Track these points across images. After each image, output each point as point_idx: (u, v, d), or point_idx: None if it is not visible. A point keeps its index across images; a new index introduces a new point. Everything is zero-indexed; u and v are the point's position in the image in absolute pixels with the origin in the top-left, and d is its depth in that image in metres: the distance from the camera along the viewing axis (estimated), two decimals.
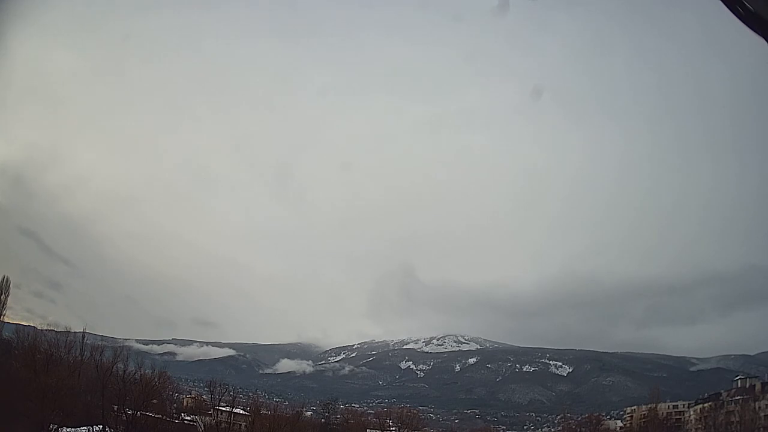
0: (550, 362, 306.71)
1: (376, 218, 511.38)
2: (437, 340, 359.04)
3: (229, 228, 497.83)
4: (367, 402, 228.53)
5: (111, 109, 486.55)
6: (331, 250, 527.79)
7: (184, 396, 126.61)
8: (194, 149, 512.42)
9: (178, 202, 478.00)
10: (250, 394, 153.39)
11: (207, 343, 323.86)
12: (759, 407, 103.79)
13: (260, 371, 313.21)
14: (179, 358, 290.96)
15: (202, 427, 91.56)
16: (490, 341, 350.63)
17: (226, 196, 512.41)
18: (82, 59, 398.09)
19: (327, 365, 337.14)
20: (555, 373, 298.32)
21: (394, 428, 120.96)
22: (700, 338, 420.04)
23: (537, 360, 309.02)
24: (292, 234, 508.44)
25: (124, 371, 76.99)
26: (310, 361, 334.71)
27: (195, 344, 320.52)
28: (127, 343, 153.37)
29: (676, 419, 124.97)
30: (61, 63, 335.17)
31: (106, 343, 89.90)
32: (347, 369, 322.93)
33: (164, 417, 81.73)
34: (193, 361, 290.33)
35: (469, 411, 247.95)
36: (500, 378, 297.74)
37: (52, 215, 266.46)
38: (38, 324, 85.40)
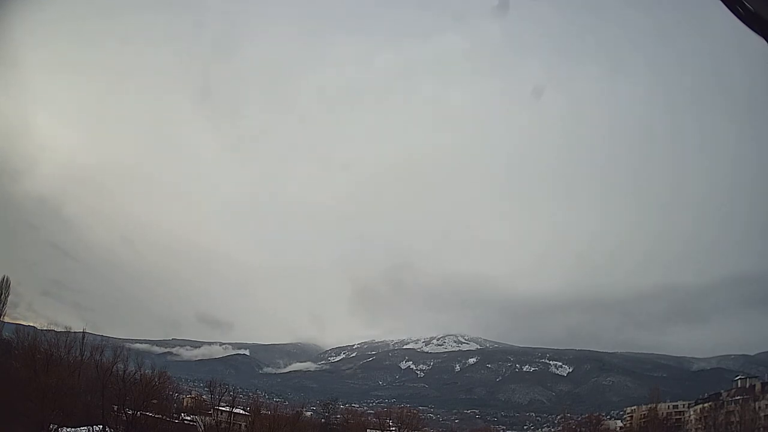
0: (550, 362, 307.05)
1: (366, 205, 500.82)
2: (437, 340, 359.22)
3: (210, 214, 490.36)
4: (367, 402, 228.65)
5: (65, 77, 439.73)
6: (325, 242, 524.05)
7: (184, 396, 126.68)
8: (160, 120, 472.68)
9: (146, 183, 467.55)
10: (250, 394, 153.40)
11: (207, 343, 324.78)
12: (759, 407, 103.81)
13: (260, 371, 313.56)
14: (179, 358, 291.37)
15: (202, 427, 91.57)
16: (490, 341, 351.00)
17: (199, 174, 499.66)
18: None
19: (327, 365, 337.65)
20: (555, 373, 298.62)
21: (394, 428, 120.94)
22: (700, 338, 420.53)
23: (537, 360, 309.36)
24: (278, 222, 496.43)
25: (124, 371, 76.89)
26: (310, 361, 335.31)
27: (195, 344, 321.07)
28: (127, 344, 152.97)
29: (676, 419, 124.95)
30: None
31: (106, 344, 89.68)
32: (347, 369, 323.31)
33: (164, 417, 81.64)
34: (193, 361, 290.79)
35: (469, 411, 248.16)
36: (500, 378, 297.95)
37: (18, 191, 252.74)
38: (38, 324, 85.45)
